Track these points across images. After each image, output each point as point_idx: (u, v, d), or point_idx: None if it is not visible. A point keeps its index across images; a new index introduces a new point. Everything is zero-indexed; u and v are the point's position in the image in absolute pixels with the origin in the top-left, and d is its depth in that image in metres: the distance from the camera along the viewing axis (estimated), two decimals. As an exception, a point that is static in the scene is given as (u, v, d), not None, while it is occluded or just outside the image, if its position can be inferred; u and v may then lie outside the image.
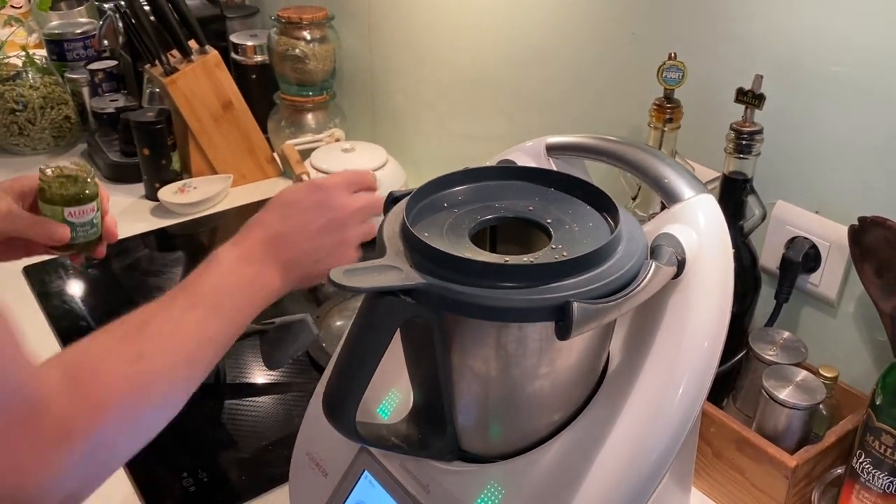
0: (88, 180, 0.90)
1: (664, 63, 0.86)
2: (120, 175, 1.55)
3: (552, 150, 0.77)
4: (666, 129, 0.88)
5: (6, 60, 1.69)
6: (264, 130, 1.57)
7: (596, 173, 0.77)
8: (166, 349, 0.62)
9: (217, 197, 1.48)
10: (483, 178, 0.72)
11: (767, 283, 0.90)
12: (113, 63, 1.75)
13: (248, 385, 1.06)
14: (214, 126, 1.47)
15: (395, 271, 0.59)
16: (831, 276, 0.85)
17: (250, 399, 1.04)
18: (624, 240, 0.62)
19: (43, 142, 1.68)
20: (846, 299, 0.85)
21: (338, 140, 1.40)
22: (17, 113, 1.63)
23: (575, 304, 0.55)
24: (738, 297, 0.86)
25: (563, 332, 0.56)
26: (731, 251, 0.66)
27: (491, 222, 0.68)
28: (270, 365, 1.04)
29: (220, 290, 0.67)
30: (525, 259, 0.61)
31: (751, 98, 0.79)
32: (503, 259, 0.61)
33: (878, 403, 0.72)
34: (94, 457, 0.54)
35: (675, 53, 0.86)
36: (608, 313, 0.57)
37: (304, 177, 1.28)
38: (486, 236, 0.74)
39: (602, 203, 0.67)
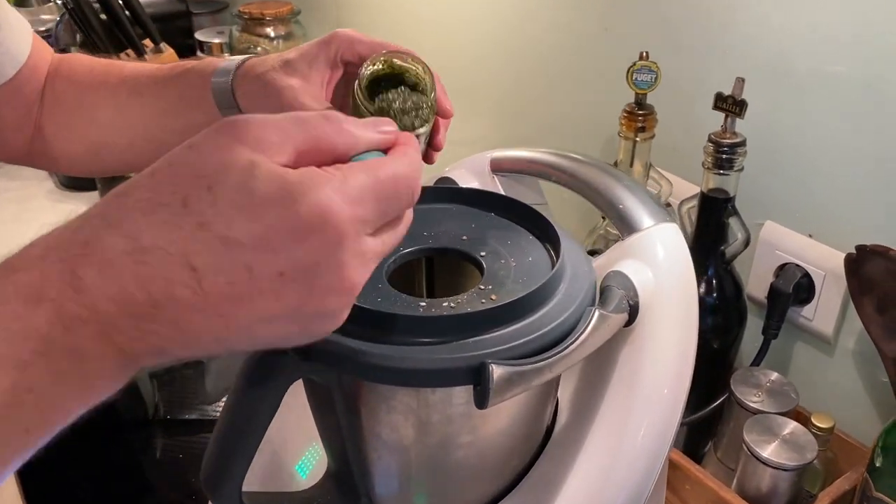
0: (429, 100, 0.53)
1: (634, 64, 0.75)
2: (75, 182, 1.46)
3: (497, 167, 0.67)
4: (638, 138, 0.77)
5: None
6: (230, 134, 1.48)
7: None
8: None
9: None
10: (412, 201, 0.62)
11: (756, 315, 0.79)
12: (76, 62, 1.66)
13: (187, 421, 0.96)
14: (173, 130, 1.37)
15: (282, 322, 0.49)
16: (827, 308, 0.74)
17: (188, 437, 0.94)
18: (566, 279, 0.52)
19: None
20: (844, 335, 0.74)
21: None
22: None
23: (493, 367, 0.45)
24: (721, 332, 0.76)
25: (480, 399, 0.46)
26: (695, 292, 0.56)
27: (413, 256, 0.57)
28: (213, 396, 0.95)
29: None
30: (446, 305, 0.50)
31: (731, 105, 0.68)
32: (418, 305, 0.50)
33: (877, 466, 0.61)
34: None
35: (646, 53, 0.75)
36: (536, 376, 0.47)
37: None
38: (422, 269, 0.65)
39: (545, 232, 0.57)
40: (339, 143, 0.35)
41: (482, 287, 0.53)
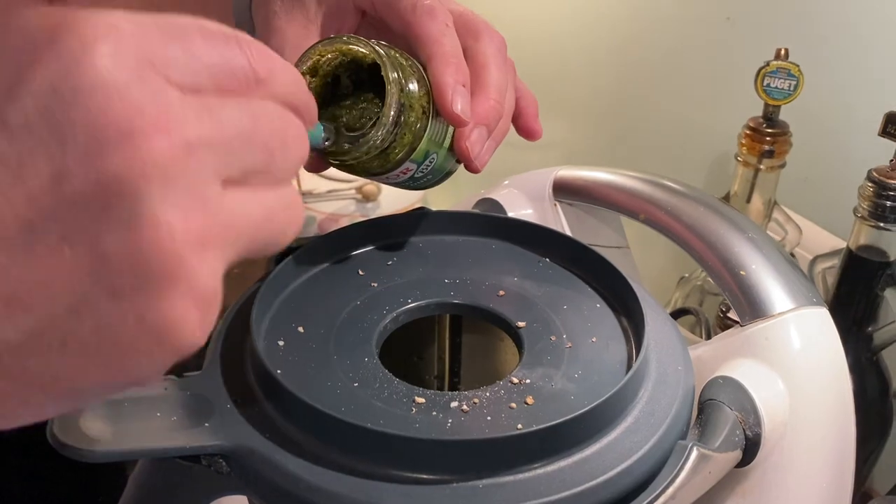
0: (417, 111, 0.36)
1: (768, 64, 0.55)
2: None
3: (563, 190, 0.47)
4: (762, 166, 0.58)
5: None
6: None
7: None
8: None
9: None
10: (434, 229, 0.44)
11: (903, 423, 0.58)
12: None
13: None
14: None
15: (194, 413, 0.31)
16: None
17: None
18: (647, 385, 0.33)
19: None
20: None
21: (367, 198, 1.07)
22: None
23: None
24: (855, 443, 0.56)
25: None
26: (851, 416, 0.36)
27: (422, 313, 0.39)
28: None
29: None
30: (455, 406, 0.33)
31: (909, 132, 0.48)
32: (412, 401, 0.33)
33: None
34: None
35: (785, 50, 0.55)
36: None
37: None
38: (445, 326, 0.47)
39: (622, 299, 0.38)
40: None
41: (515, 380, 0.34)
